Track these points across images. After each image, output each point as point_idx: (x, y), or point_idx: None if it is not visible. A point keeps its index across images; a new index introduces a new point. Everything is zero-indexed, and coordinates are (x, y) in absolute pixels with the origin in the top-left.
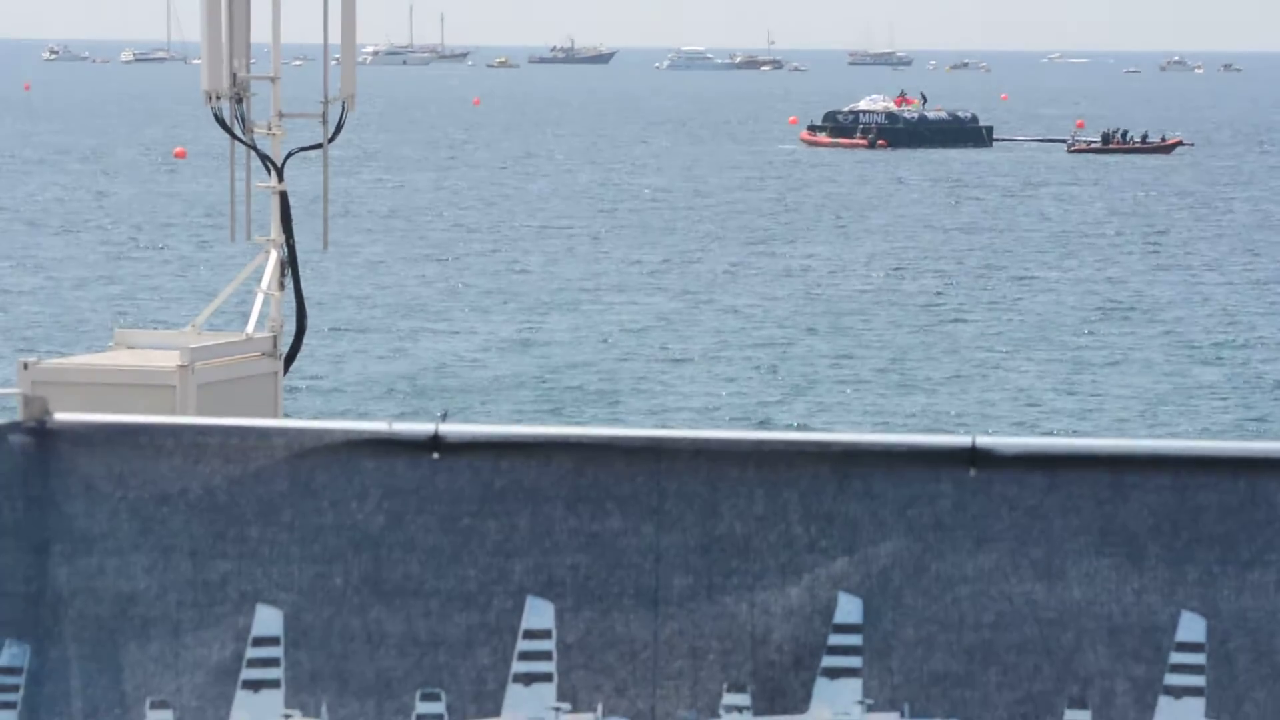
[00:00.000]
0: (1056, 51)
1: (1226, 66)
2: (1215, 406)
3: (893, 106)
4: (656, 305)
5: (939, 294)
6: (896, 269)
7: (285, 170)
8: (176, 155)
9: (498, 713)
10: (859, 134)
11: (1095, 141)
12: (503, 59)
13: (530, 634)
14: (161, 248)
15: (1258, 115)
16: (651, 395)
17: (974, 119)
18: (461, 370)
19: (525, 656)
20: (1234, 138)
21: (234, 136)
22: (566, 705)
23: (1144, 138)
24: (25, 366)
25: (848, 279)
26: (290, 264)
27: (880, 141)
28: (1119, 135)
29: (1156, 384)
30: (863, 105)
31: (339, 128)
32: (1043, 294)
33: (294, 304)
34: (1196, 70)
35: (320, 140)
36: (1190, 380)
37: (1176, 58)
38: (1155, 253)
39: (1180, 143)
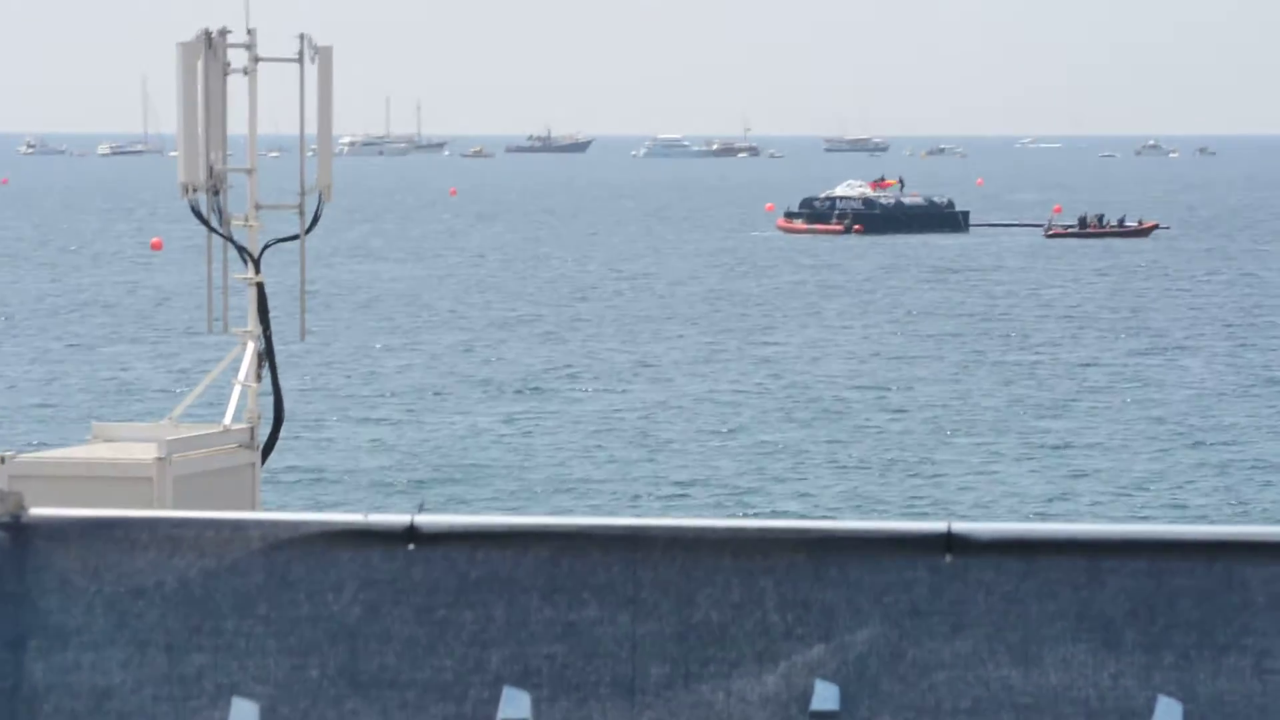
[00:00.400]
0: (1029, 136)
1: (1202, 150)
2: (1191, 490)
3: (869, 190)
4: (632, 393)
5: (914, 379)
6: (872, 355)
7: (262, 262)
8: (153, 247)
9: None
10: (835, 220)
11: (1073, 226)
12: (478, 149)
13: None
14: (139, 340)
15: (1233, 198)
16: (627, 484)
17: (950, 204)
18: (438, 460)
19: None
20: (1210, 221)
21: (210, 228)
22: None
23: (1121, 221)
24: (2, 460)
25: (823, 365)
26: (267, 355)
27: (856, 227)
28: (1096, 219)
29: (1132, 468)
30: (839, 191)
31: (316, 219)
32: (1019, 378)
33: (271, 395)
34: (1172, 154)
35: (297, 231)
36: (1166, 464)
37: (1151, 142)
38: (1132, 336)
39: (1157, 226)
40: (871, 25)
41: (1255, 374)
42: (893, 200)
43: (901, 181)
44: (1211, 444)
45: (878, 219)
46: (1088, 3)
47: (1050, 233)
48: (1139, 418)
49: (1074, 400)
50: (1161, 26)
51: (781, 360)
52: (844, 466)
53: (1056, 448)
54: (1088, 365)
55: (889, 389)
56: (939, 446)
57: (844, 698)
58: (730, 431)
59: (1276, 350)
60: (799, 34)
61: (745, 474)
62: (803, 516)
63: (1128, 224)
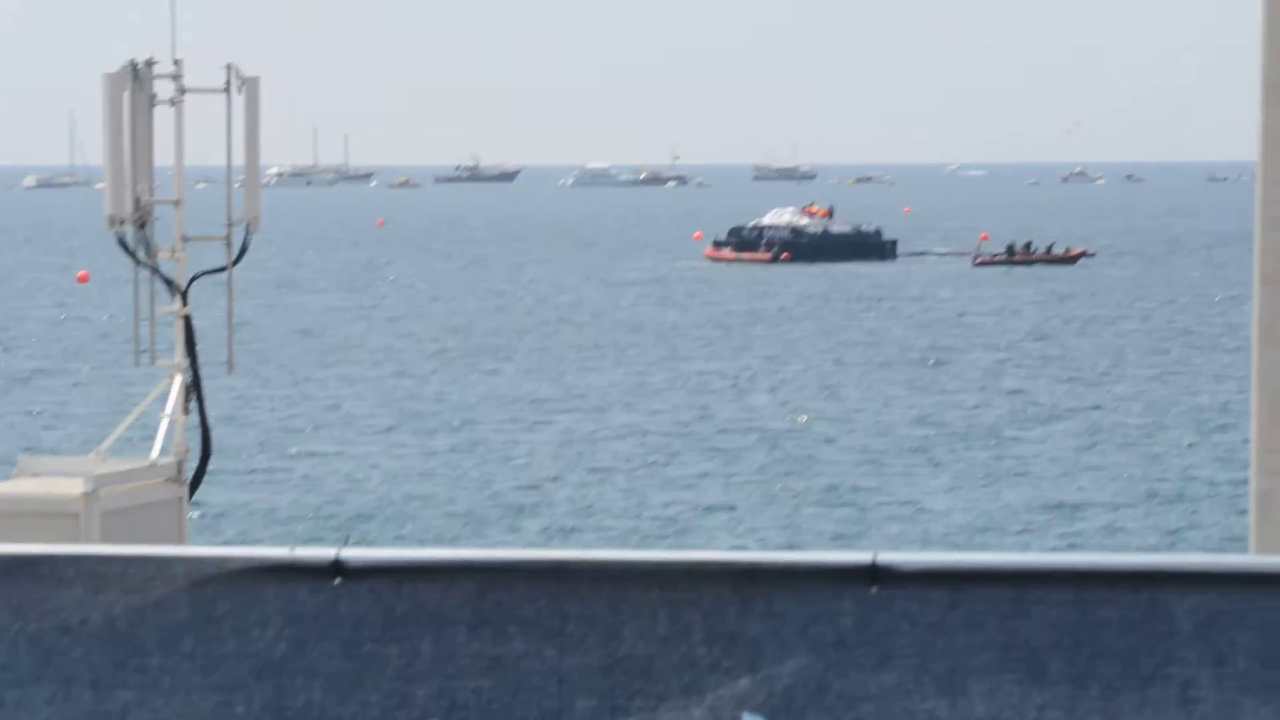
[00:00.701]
0: (955, 164)
1: (1129, 177)
2: (1117, 520)
3: (801, 217)
4: (559, 424)
5: (841, 409)
6: (799, 385)
7: (190, 294)
8: (80, 280)
9: None
10: (763, 248)
11: (1000, 253)
12: (404, 179)
13: None
14: (66, 373)
15: (1160, 225)
16: (554, 516)
17: (878, 233)
18: (365, 494)
19: None
20: (1137, 247)
21: (137, 261)
22: None
23: (1049, 249)
24: None
25: (749, 395)
26: (195, 388)
27: (784, 256)
28: (1024, 247)
29: (1058, 497)
30: (767, 220)
31: (243, 251)
32: (946, 407)
33: (199, 429)
34: (1098, 181)
35: (225, 263)
36: (1092, 493)
37: (1078, 169)
38: (1059, 365)
39: (1084, 253)
40: (798, 54)
41: (1181, 402)
42: (821, 229)
43: (832, 210)
44: (1137, 473)
45: (806, 247)
46: (1009, 34)
47: (978, 261)
48: (1065, 447)
49: (1000, 429)
50: (1085, 55)
51: (708, 390)
52: (770, 497)
53: (982, 477)
54: (1014, 393)
55: (815, 418)
56: (865, 476)
57: None
58: (657, 462)
59: (1202, 378)
60: (726, 63)
61: (672, 505)
62: (729, 548)
63: (1055, 251)
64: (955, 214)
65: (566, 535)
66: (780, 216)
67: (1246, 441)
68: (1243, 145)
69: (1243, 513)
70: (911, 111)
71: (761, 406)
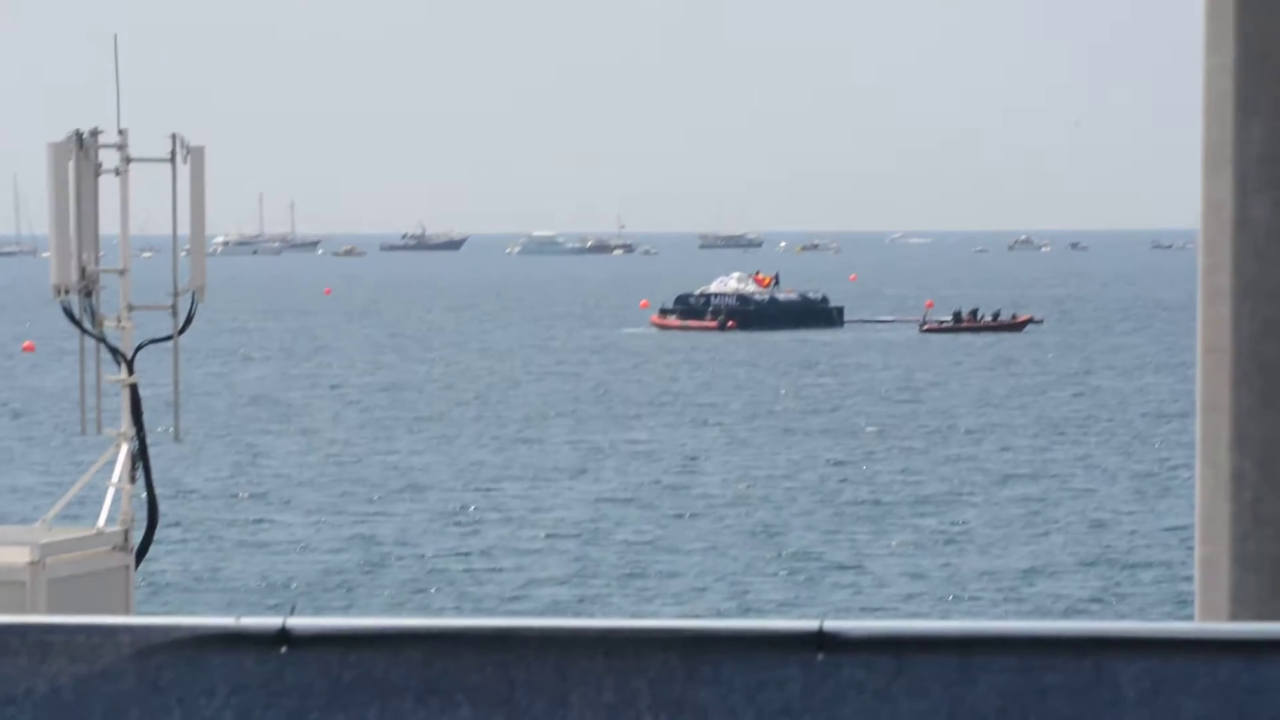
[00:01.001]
0: (899, 231)
1: (1074, 245)
2: (1062, 586)
3: (746, 283)
4: (504, 492)
5: (786, 475)
6: (744, 451)
7: (136, 363)
8: (25, 349)
9: None
10: (709, 316)
11: (947, 320)
12: (349, 247)
13: None
14: (12, 442)
15: (1105, 292)
16: (500, 584)
17: (825, 300)
18: (311, 562)
19: None
20: (1083, 315)
21: (83, 330)
22: None
23: (995, 316)
24: None
25: (695, 462)
26: (141, 457)
27: (730, 323)
28: (971, 314)
29: (1004, 564)
30: (714, 288)
31: (189, 319)
32: (892, 473)
33: (145, 497)
34: (1044, 248)
35: (171, 332)
36: (1037, 560)
37: (1024, 236)
38: (1005, 431)
39: (1031, 320)
40: (741, 122)
41: (1126, 469)
42: (767, 297)
43: (777, 278)
44: (1082, 539)
45: (752, 315)
46: (949, 101)
47: (925, 327)
48: (1010, 513)
49: (946, 495)
50: (1028, 122)
51: (653, 457)
52: (717, 564)
53: (928, 544)
54: (959, 460)
55: (761, 485)
56: (811, 543)
57: None
58: (603, 530)
59: (1147, 444)
60: (671, 131)
61: (618, 572)
62: (675, 616)
63: (1002, 318)
64: (901, 281)
65: (513, 603)
66: (726, 284)
67: (1191, 508)
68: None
69: (1187, 579)
70: (856, 178)
71: (707, 474)
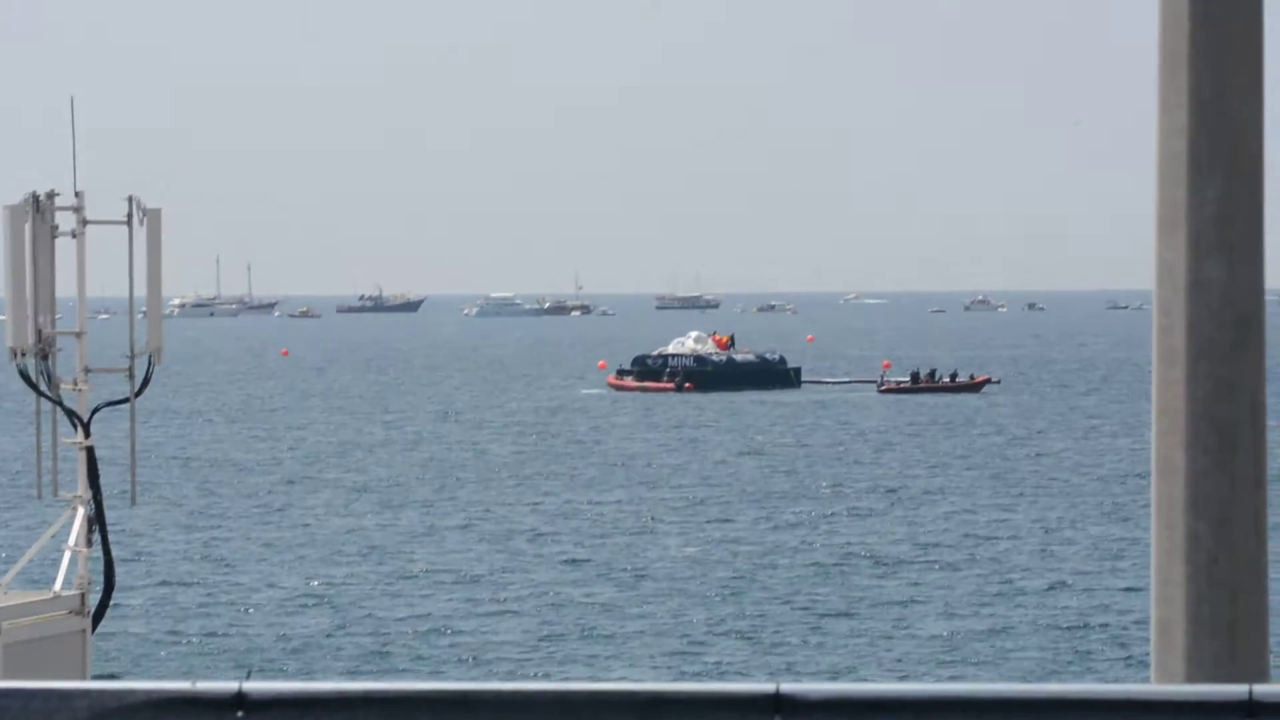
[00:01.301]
0: (853, 292)
1: (1031, 306)
2: (1017, 647)
3: (704, 342)
4: (458, 553)
5: (739, 538)
6: (699, 513)
7: (92, 425)
8: None
9: None
10: (666, 377)
11: (905, 381)
12: (304, 309)
13: None
14: None
15: (1063, 353)
16: (456, 647)
17: (782, 360)
18: (268, 626)
19: None
20: (1040, 376)
21: (39, 393)
22: None
23: (953, 377)
24: None
25: (650, 524)
26: (98, 520)
27: (687, 385)
28: (929, 375)
29: (960, 625)
30: (671, 348)
31: (146, 382)
32: (850, 535)
33: (102, 560)
34: (1000, 309)
35: (128, 394)
36: (993, 622)
37: (980, 297)
38: (960, 494)
39: (989, 380)
40: (696, 182)
41: (1084, 530)
42: (724, 358)
43: (733, 338)
44: (1038, 602)
45: (709, 376)
46: (912, 165)
47: (883, 388)
48: (968, 575)
49: (903, 557)
50: (985, 184)
51: (608, 519)
52: (673, 625)
53: (886, 605)
54: (916, 523)
55: (715, 547)
56: (769, 606)
57: None
58: (557, 591)
59: (1104, 506)
60: (628, 192)
61: (574, 634)
62: (633, 678)
63: (960, 379)
64: (858, 341)
65: (470, 666)
66: (684, 343)
67: (1147, 570)
68: (1143, 274)
69: (1144, 641)
70: (812, 239)
71: (662, 534)
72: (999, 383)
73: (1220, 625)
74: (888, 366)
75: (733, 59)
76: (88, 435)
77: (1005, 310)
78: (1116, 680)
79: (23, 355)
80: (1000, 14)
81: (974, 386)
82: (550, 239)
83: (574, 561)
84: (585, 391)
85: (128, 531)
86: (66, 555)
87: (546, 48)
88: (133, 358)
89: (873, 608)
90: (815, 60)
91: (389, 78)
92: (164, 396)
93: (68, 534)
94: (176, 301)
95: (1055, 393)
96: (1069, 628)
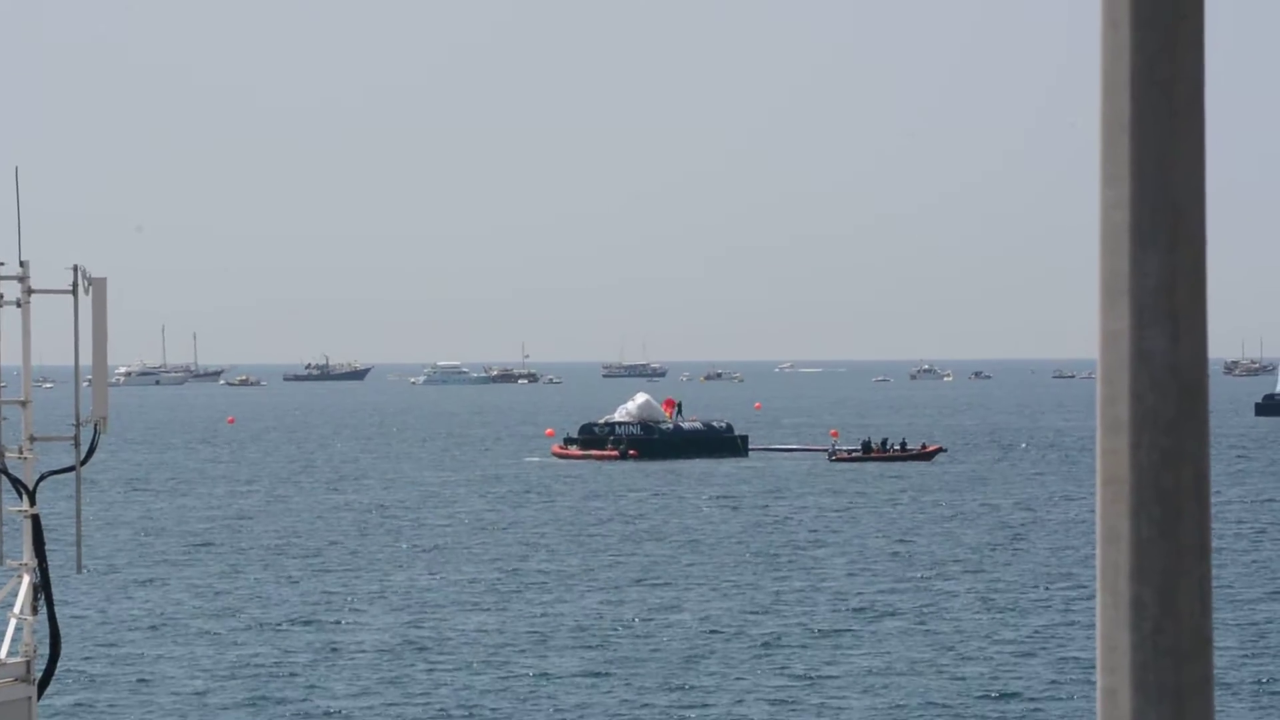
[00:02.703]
0: (788, 361)
1: (977, 374)
2: (965, 714)
3: (650, 405)
4: (402, 622)
5: (679, 608)
6: (638, 581)
7: (38, 494)
8: None
9: None
10: (610, 445)
11: (856, 450)
12: (243, 377)
13: None
14: None
15: (1013, 421)
16: (399, 710)
17: (729, 428)
18: (215, 693)
19: None
20: (985, 444)
21: None
22: None
23: (903, 445)
24: None
25: (583, 595)
26: (43, 588)
27: (632, 453)
28: (880, 444)
29: (905, 694)
30: (619, 416)
31: (91, 450)
32: (790, 605)
33: (48, 628)
34: (946, 378)
35: (73, 463)
36: (940, 690)
37: (926, 366)
38: (903, 562)
39: (940, 449)
40: (642, 252)
41: (1030, 598)
42: (671, 425)
43: (679, 406)
44: (985, 667)
45: (655, 444)
46: (851, 231)
47: (835, 457)
48: (913, 643)
49: (845, 627)
50: (930, 256)
51: (543, 589)
52: (605, 694)
53: (835, 676)
54: (856, 594)
55: (655, 616)
56: (700, 675)
57: None
58: (494, 667)
59: (1049, 574)
60: (574, 261)
61: (510, 705)
62: None
63: (910, 448)
64: (805, 410)
65: None
66: (630, 407)
67: (1091, 639)
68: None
69: (1090, 710)
70: (752, 308)
71: (593, 606)
72: (946, 451)
73: (1165, 692)
74: (835, 435)
75: (677, 125)
76: (33, 503)
77: (950, 379)
78: None
79: None
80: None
81: (925, 455)
82: (496, 308)
83: (508, 636)
84: (529, 459)
85: (73, 600)
86: (12, 623)
87: (491, 118)
88: (78, 426)
89: (799, 679)
90: (759, 127)
91: (335, 148)
92: (109, 465)
93: (13, 601)
94: (122, 370)
95: (1000, 461)
96: (1016, 695)
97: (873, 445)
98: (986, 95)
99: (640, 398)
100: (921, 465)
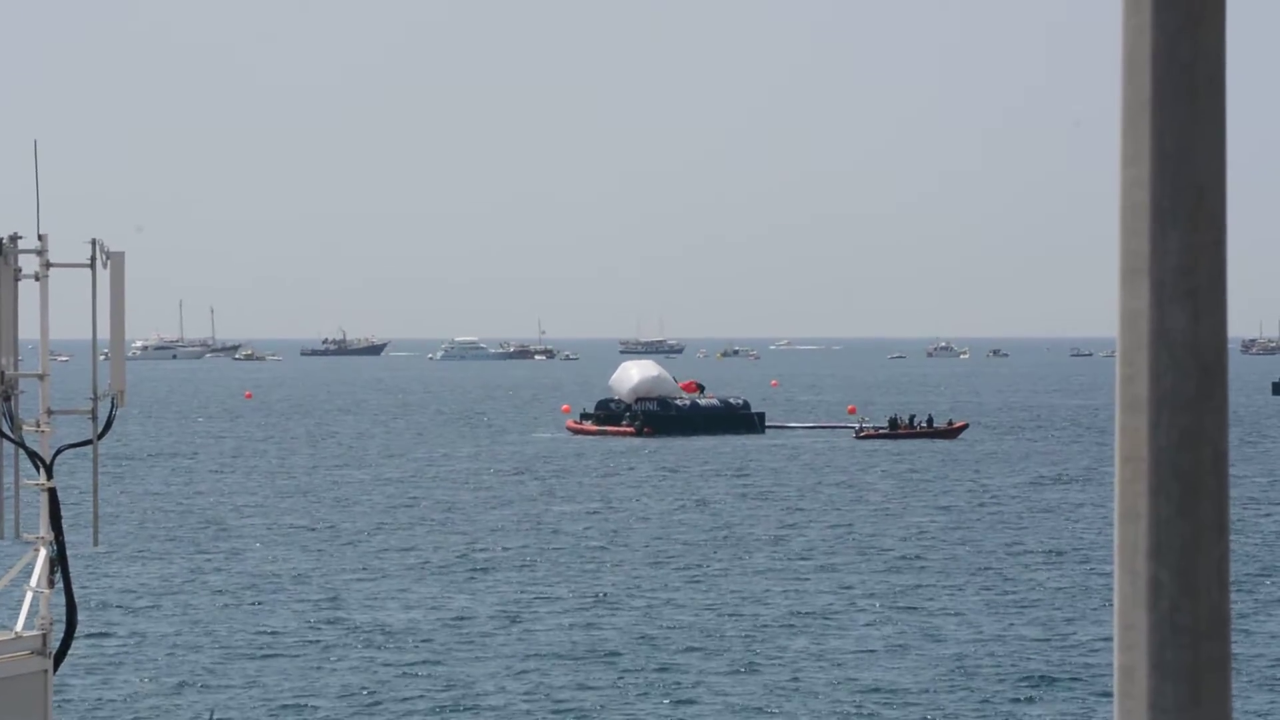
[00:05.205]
0: (785, 339)
1: (994, 352)
2: (982, 692)
3: (654, 369)
4: (404, 613)
5: (675, 591)
6: (644, 560)
7: (55, 467)
8: None
9: None
10: (626, 422)
11: (883, 427)
12: (249, 352)
13: None
14: None
15: (1033, 399)
16: (419, 699)
17: (746, 405)
18: (229, 670)
19: None
20: (1005, 422)
21: (2, 434)
22: None
23: (929, 422)
24: None
25: (582, 576)
26: (60, 562)
27: (647, 429)
28: (907, 421)
29: (923, 672)
30: (618, 392)
31: (109, 424)
32: (772, 594)
33: (64, 602)
34: (962, 355)
35: (90, 436)
36: (958, 666)
37: (942, 343)
38: (919, 538)
39: (966, 426)
40: (662, 227)
41: (1048, 577)
42: (688, 402)
43: (701, 386)
44: (1004, 646)
45: (671, 421)
46: (872, 208)
47: (862, 434)
48: (934, 624)
49: (868, 604)
50: (945, 230)
51: (539, 568)
52: (618, 691)
53: (862, 654)
54: (875, 573)
55: (656, 597)
56: (698, 660)
57: None
58: (500, 659)
59: (1067, 552)
60: (591, 238)
61: (516, 688)
62: None
63: (936, 425)
64: (825, 388)
65: (427, 716)
66: (628, 378)
67: (1110, 617)
68: (1106, 321)
69: (1108, 687)
70: (773, 284)
71: (596, 588)
72: (967, 426)
73: (1183, 671)
74: (852, 411)
75: (694, 101)
76: (50, 477)
77: (967, 356)
78: None
79: None
80: (971, 75)
81: (951, 432)
82: (514, 284)
83: (520, 609)
84: (543, 435)
85: (90, 574)
86: (29, 596)
87: (509, 92)
88: (96, 400)
89: (855, 654)
90: (775, 104)
91: (348, 124)
92: (127, 439)
93: (30, 575)
94: (139, 344)
95: (1019, 439)
96: (1033, 675)
97: (899, 422)
98: (1006, 74)
99: (632, 366)
100: (948, 442)
